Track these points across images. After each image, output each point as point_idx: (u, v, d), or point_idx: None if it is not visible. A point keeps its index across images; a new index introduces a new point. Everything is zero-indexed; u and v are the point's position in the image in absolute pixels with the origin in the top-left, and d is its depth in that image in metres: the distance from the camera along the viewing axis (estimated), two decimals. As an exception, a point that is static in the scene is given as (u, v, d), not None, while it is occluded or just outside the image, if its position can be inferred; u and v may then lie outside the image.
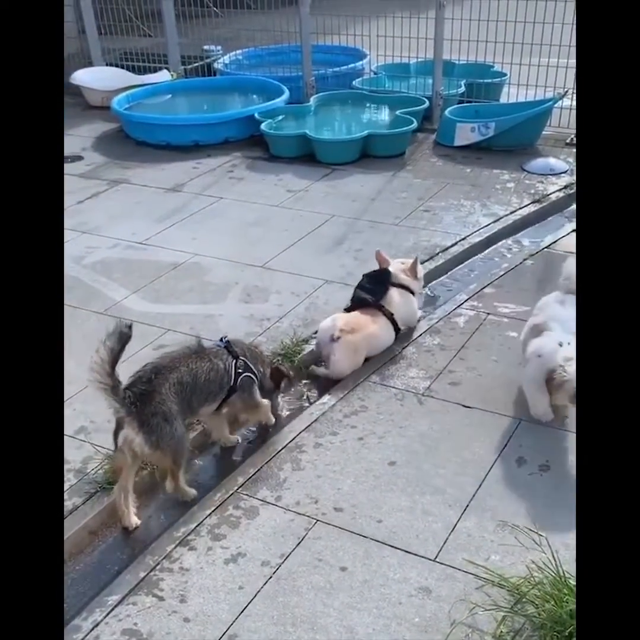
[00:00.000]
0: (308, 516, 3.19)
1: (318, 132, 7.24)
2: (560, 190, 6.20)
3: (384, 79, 8.81)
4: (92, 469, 3.50)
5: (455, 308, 4.64)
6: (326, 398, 3.94)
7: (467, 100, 7.94)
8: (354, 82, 8.76)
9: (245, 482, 3.40)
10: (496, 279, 4.94)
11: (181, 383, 3.23)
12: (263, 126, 7.34)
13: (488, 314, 4.55)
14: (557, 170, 6.51)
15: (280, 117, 7.78)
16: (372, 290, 4.32)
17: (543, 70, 7.46)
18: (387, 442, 3.59)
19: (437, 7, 7.59)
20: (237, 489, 3.36)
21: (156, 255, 5.50)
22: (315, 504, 3.26)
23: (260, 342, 4.33)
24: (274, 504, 3.27)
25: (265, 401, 3.71)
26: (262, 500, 3.29)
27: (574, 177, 6.42)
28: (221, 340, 3.59)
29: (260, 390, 3.67)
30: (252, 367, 3.59)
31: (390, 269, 4.46)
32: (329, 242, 5.56)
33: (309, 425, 3.73)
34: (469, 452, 3.49)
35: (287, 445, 3.61)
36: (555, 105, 7.06)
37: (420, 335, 4.40)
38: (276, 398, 3.91)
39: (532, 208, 5.90)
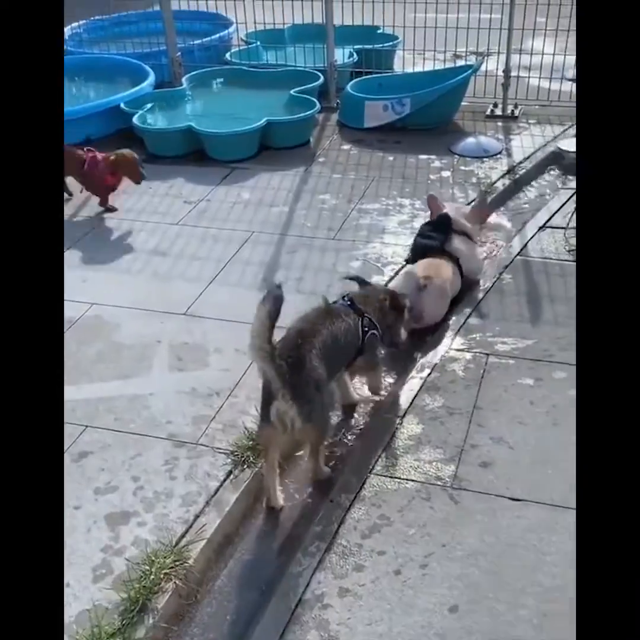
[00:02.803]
0: None
1: (204, 123, 6.06)
2: (503, 176, 5.44)
3: (260, 50, 7.70)
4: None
5: (446, 350, 3.78)
6: (325, 511, 2.98)
7: (363, 72, 6.98)
8: (227, 56, 7.59)
9: (263, 673, 2.42)
10: (476, 304, 4.11)
11: (326, 347, 3.00)
12: (136, 120, 6.09)
13: (487, 354, 3.72)
14: (492, 151, 5.76)
15: (149, 106, 6.52)
16: (434, 238, 4.16)
17: (434, 32, 6.60)
18: (434, 573, 2.69)
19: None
20: (257, 689, 2.38)
21: (40, 309, 4.25)
22: (373, 698, 2.33)
23: (214, 431, 3.33)
24: None
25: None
26: None
27: (513, 159, 5.69)
28: (343, 298, 3.35)
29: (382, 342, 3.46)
30: (376, 322, 3.34)
31: (450, 214, 4.28)
32: (258, 271, 4.52)
33: (322, 559, 2.77)
34: (544, 572, 2.66)
35: (301, 598, 2.64)
36: (476, 73, 6.25)
37: (417, 394, 3.51)
38: (399, 333, 3.54)
39: (482, 202, 5.09)
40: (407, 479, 3.07)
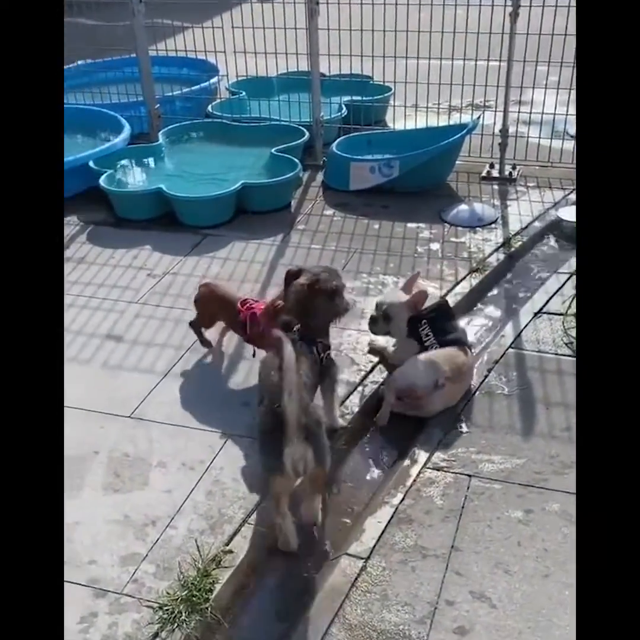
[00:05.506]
0: None
1: (177, 186, 5.61)
2: (497, 249, 4.95)
3: (245, 102, 7.28)
4: None
5: (421, 469, 3.27)
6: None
7: (352, 127, 6.53)
8: (209, 108, 7.17)
9: None
10: (461, 410, 3.61)
11: (306, 385, 2.97)
12: (103, 181, 5.65)
13: (469, 476, 3.21)
14: (486, 220, 5.27)
15: (121, 163, 6.11)
16: (452, 328, 3.77)
17: (428, 83, 6.11)
18: None
19: (308, 15, 6.15)
20: None
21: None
22: None
23: (143, 575, 2.83)
24: None
25: None
26: None
27: (509, 229, 5.22)
28: (293, 331, 3.19)
29: None
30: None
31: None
32: (221, 365, 4.04)
33: None
34: None
35: None
36: (473, 132, 5.78)
37: (385, 529, 3.00)
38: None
39: (472, 281, 4.59)
40: (367, 650, 2.55)
